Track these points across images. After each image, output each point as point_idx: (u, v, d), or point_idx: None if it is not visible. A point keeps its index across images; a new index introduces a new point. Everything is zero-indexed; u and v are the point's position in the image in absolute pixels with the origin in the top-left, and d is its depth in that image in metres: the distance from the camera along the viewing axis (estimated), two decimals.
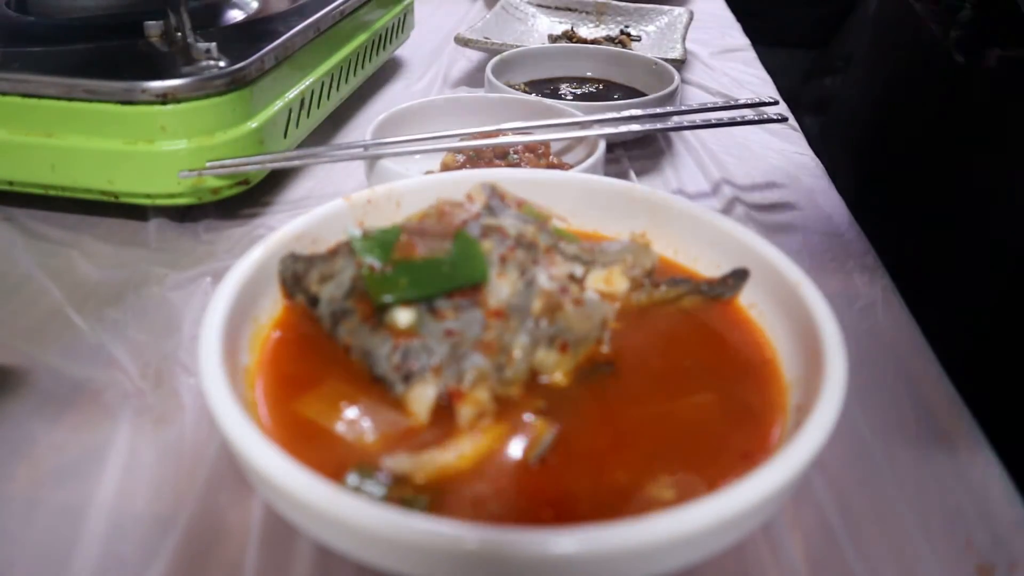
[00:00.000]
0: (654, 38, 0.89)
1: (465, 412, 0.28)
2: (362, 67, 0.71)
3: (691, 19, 0.89)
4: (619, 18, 0.94)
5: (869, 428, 0.38)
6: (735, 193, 0.60)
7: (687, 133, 0.69)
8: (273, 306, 0.33)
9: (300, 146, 0.60)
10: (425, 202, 0.36)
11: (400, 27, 0.80)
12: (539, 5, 0.95)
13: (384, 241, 0.32)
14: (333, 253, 0.33)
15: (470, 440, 0.27)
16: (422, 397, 0.28)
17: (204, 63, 0.51)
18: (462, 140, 0.55)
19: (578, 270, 0.33)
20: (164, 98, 0.49)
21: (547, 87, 0.73)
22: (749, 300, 0.34)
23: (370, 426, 0.28)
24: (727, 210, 0.58)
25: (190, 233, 0.53)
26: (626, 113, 0.58)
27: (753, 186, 0.61)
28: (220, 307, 0.29)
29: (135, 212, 0.54)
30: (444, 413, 0.28)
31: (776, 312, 0.33)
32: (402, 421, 0.28)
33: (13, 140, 0.50)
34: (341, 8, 0.65)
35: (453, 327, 0.29)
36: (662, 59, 0.72)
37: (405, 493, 0.25)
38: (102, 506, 0.33)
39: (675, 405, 0.30)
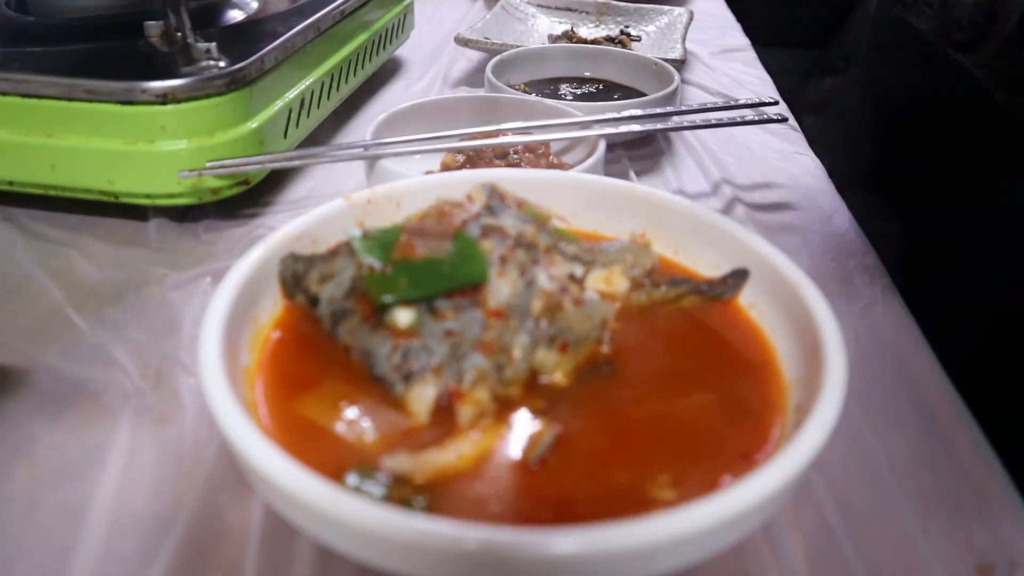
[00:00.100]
0: (654, 38, 0.89)
1: (465, 412, 0.28)
2: (362, 67, 0.71)
3: (691, 19, 0.89)
4: (619, 18, 0.94)
5: (869, 428, 0.38)
6: (735, 193, 0.60)
7: (687, 133, 0.69)
8: (273, 306, 0.33)
9: (300, 146, 0.60)
10: (425, 202, 0.36)
11: (400, 27, 0.80)
12: (539, 5, 0.95)
13: (384, 241, 0.32)
14: (333, 253, 0.33)
15: (470, 440, 0.27)
16: (422, 397, 0.28)
17: (204, 63, 0.51)
18: (462, 140, 0.55)
19: (578, 270, 0.33)
20: (164, 98, 0.49)
21: (547, 87, 0.73)
22: (749, 300, 0.34)
23: (370, 426, 0.28)
24: (727, 210, 0.58)
25: (190, 233, 0.53)
26: (626, 113, 0.58)
27: (753, 186, 0.61)
28: (220, 307, 0.29)
29: (135, 212, 0.54)
30: (444, 413, 0.28)
31: (776, 312, 0.33)
32: (402, 421, 0.28)
33: (13, 140, 0.50)
34: (341, 8, 0.65)
35: (453, 327, 0.29)
36: (662, 59, 0.72)
37: (405, 493, 0.25)
38: (102, 506, 0.33)
39: (675, 405, 0.30)
